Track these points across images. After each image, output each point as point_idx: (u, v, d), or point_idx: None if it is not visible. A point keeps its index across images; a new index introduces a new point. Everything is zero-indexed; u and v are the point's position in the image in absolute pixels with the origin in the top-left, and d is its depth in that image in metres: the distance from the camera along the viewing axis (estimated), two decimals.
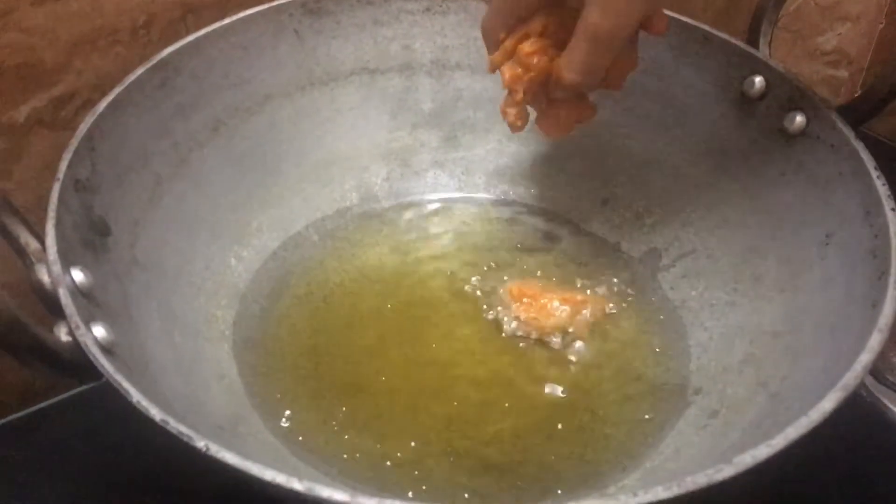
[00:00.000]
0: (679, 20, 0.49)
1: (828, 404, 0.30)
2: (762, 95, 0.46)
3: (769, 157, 0.46)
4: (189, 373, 0.41)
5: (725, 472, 0.28)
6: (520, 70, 0.41)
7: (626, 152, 0.53)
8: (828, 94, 0.44)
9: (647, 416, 0.42)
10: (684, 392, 0.43)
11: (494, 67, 0.42)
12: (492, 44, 0.42)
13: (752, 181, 0.47)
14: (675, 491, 0.28)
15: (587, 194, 0.54)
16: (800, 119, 0.44)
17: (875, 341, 0.32)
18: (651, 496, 0.27)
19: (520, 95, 0.41)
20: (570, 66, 0.39)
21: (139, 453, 0.47)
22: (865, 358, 0.32)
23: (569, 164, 0.55)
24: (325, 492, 0.28)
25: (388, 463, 0.41)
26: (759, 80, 0.46)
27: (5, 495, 0.47)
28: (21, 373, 0.54)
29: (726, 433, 0.38)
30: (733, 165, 0.48)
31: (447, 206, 0.55)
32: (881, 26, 0.77)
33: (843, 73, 0.80)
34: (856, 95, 0.49)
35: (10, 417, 0.52)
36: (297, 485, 0.28)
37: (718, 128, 0.49)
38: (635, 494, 0.27)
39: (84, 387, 0.52)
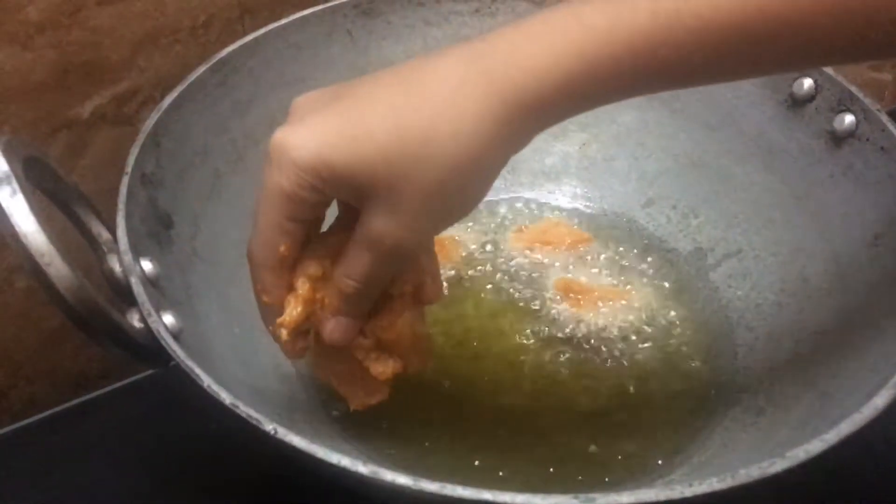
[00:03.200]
0: None
1: (880, 401, 0.31)
2: (811, 97, 0.47)
3: (817, 158, 0.46)
4: (247, 362, 0.42)
5: (778, 465, 0.29)
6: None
7: (671, 153, 0.53)
8: (871, 98, 0.44)
9: (693, 413, 0.43)
10: (730, 390, 0.44)
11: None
12: (276, 297, 0.35)
13: (799, 182, 0.47)
14: (728, 483, 0.28)
15: (632, 194, 0.54)
16: (849, 121, 0.44)
17: None
18: (706, 487, 0.28)
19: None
20: (347, 272, 0.33)
21: (188, 441, 0.48)
22: None
23: (614, 164, 0.55)
24: (388, 475, 0.29)
25: (436, 457, 0.42)
26: (808, 82, 0.47)
27: (58, 480, 0.48)
28: (76, 362, 0.56)
29: (774, 431, 0.39)
30: (781, 166, 0.48)
31: (492, 204, 0.56)
32: None
33: (886, 77, 0.80)
34: None
35: (64, 405, 0.54)
36: (361, 468, 0.29)
37: (766, 129, 0.49)
38: (690, 485, 0.28)
39: (136, 377, 0.54)
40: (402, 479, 0.28)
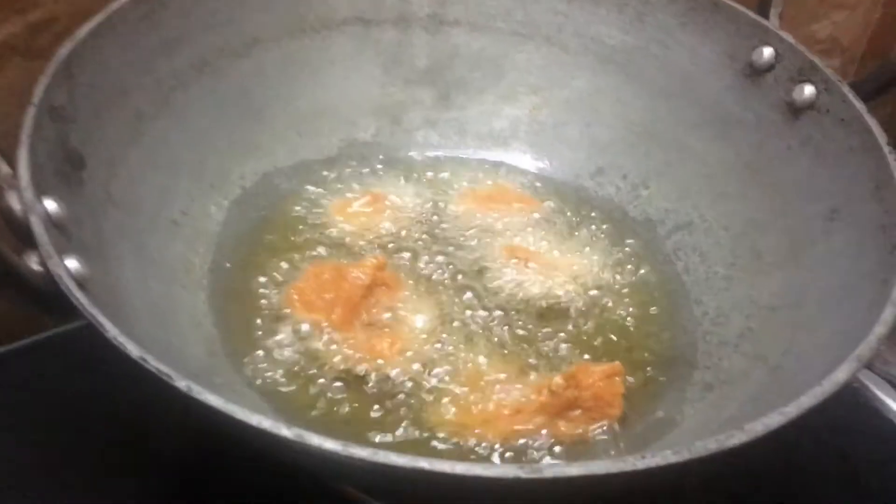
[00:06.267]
0: None
1: (841, 374, 0.29)
2: (770, 67, 0.45)
3: (774, 129, 0.45)
4: (164, 319, 0.39)
5: (736, 438, 0.27)
6: None
7: (624, 120, 0.52)
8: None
9: (640, 387, 0.41)
10: (677, 365, 0.42)
11: None
12: None
13: (754, 154, 0.46)
14: (684, 456, 0.26)
15: (582, 161, 0.52)
16: (809, 92, 0.43)
17: (889, 314, 0.32)
18: (660, 459, 0.26)
19: None
20: None
21: (93, 406, 0.45)
22: (879, 330, 0.31)
23: (564, 130, 0.53)
24: (314, 440, 0.26)
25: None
26: (767, 50, 0.45)
27: None
28: None
29: (723, 406, 0.37)
30: (736, 137, 0.47)
31: (437, 164, 0.53)
32: (877, 16, 0.77)
33: (835, 62, 0.80)
34: (868, 73, 0.48)
35: None
36: (284, 431, 0.26)
37: (722, 98, 0.47)
38: (643, 457, 0.26)
39: (39, 336, 0.50)
40: (330, 444, 0.26)
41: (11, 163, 0.35)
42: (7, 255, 0.29)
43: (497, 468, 0.25)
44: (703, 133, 0.48)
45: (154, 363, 0.27)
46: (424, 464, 0.25)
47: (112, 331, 0.28)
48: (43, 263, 0.30)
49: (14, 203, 0.32)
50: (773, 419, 0.28)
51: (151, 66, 0.44)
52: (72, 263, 0.31)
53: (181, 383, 0.27)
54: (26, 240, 0.32)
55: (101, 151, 0.40)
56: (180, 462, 0.44)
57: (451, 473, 0.25)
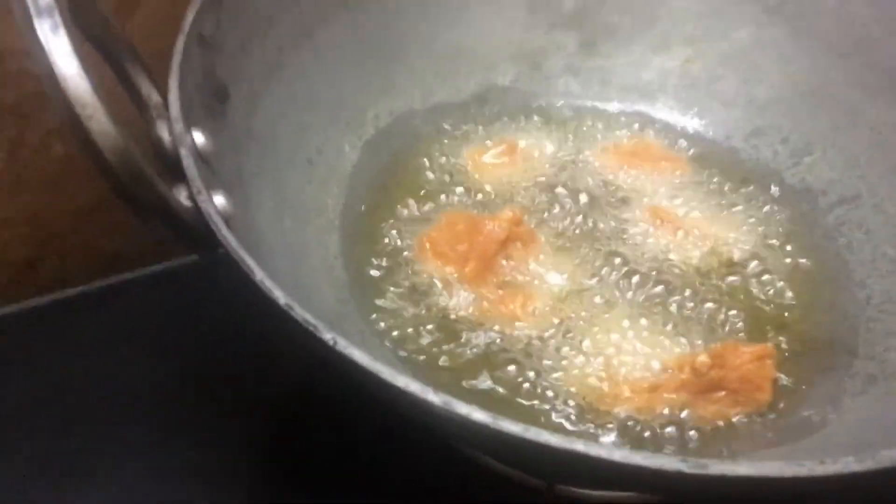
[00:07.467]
0: None
1: None
2: None
3: None
4: (297, 260, 0.38)
5: None
6: None
7: (788, 78, 0.47)
8: None
9: (788, 373, 0.38)
10: (834, 352, 0.39)
11: None
12: None
13: None
14: (868, 465, 0.24)
15: (738, 120, 0.49)
16: None
17: None
18: (841, 466, 0.23)
19: None
20: None
21: (218, 337, 0.45)
22: None
23: (719, 86, 0.49)
24: (462, 408, 0.24)
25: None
26: None
27: (79, 361, 0.45)
28: (111, 240, 0.52)
29: (889, 404, 0.34)
30: None
31: (578, 115, 0.50)
32: None
33: None
34: None
35: (95, 284, 0.50)
36: (432, 397, 0.24)
37: None
38: (822, 462, 0.23)
39: (171, 262, 0.51)
40: (479, 415, 0.24)
41: (162, 91, 0.34)
42: (158, 185, 0.28)
43: (658, 459, 0.23)
44: (881, 98, 0.44)
45: (300, 312, 0.26)
46: (580, 447, 0.23)
47: (259, 274, 0.27)
48: (192, 198, 0.29)
49: (164, 133, 0.32)
50: None
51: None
52: (218, 199, 0.31)
53: (327, 336, 0.26)
54: (174, 172, 0.31)
55: (243, 85, 0.39)
56: (289, 401, 0.44)
57: (608, 459, 0.23)
